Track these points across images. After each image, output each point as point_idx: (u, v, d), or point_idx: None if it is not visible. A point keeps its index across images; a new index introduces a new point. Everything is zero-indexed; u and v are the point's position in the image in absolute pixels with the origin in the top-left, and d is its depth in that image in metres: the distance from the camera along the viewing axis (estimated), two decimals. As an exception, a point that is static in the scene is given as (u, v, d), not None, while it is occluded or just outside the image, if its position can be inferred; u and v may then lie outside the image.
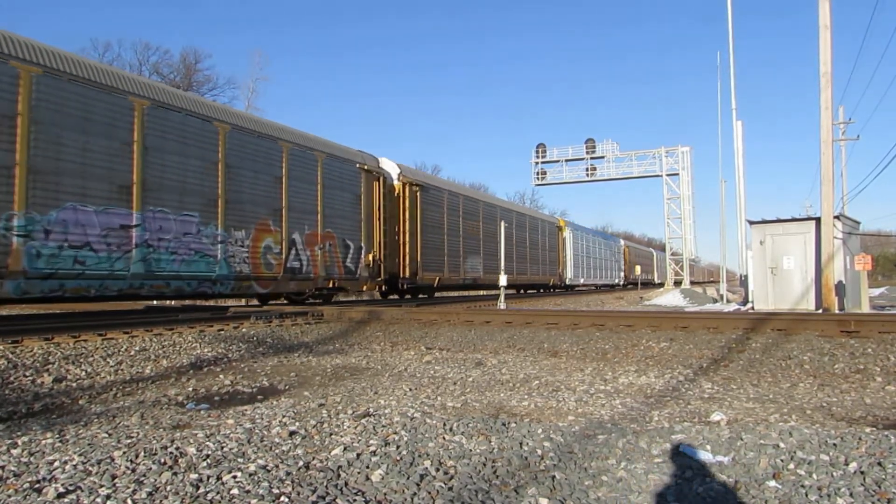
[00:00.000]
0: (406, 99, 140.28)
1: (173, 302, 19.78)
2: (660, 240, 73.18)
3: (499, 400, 5.27)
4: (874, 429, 3.99)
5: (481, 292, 28.94)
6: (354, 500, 2.78)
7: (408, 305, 14.45)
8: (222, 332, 9.36)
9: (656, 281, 58.49)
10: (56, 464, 3.21)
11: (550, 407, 4.97)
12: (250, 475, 3.06)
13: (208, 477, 3.03)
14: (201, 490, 2.86)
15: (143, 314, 12.54)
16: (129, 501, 2.73)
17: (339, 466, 3.23)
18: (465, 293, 28.77)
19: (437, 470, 3.19)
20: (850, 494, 2.79)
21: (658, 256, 63.01)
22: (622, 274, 46.86)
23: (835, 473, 3.06)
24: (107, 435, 3.87)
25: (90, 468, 3.14)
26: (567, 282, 33.80)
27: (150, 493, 2.81)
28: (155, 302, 19.61)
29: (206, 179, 11.50)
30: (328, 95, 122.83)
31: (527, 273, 28.36)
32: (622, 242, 50.32)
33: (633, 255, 51.64)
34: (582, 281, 36.45)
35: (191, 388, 5.92)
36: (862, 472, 3.05)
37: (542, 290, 31.97)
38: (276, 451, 3.52)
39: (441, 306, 15.34)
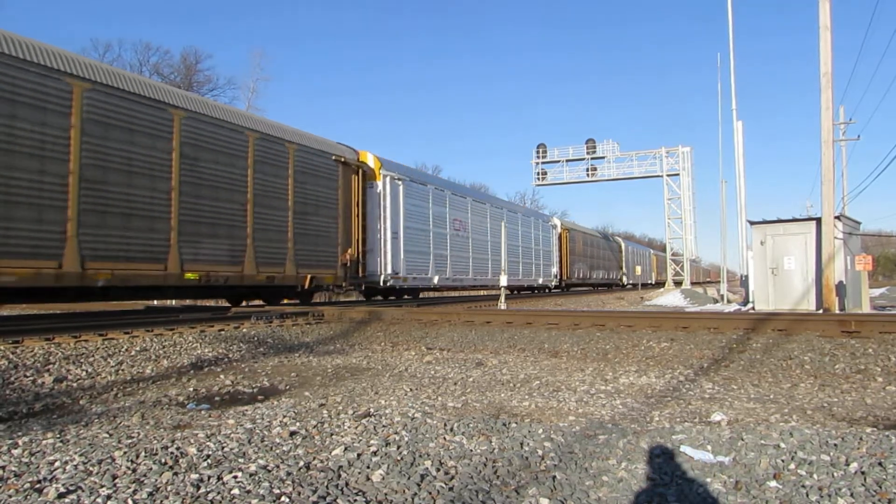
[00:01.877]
0: (406, 99, 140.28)
1: (174, 302, 19.81)
2: (660, 240, 70.86)
3: (499, 400, 5.26)
4: (875, 429, 3.99)
5: None
6: (355, 501, 2.78)
7: (408, 306, 14.45)
8: (223, 333, 9.37)
9: (625, 282, 46.59)
10: (57, 464, 3.21)
11: (551, 407, 4.96)
12: (251, 475, 3.06)
13: (209, 477, 3.03)
14: (202, 490, 2.87)
15: (144, 314, 12.55)
16: (129, 501, 2.73)
17: (340, 466, 3.23)
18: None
19: (438, 470, 3.19)
20: (851, 495, 2.79)
21: (630, 249, 50.02)
22: (555, 270, 31.83)
23: (836, 474, 3.05)
24: (107, 435, 3.87)
25: (91, 468, 3.14)
26: (384, 279, 16.81)
27: (150, 493, 2.81)
28: (155, 302, 19.64)
29: None
30: (328, 95, 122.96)
31: (196, 256, 11.33)
32: (557, 223, 34.34)
33: (578, 244, 36.65)
34: (436, 280, 19.34)
35: (191, 389, 5.92)
36: (863, 473, 3.04)
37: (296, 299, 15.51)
38: (277, 451, 3.52)
39: (442, 306, 15.34)
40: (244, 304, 15.61)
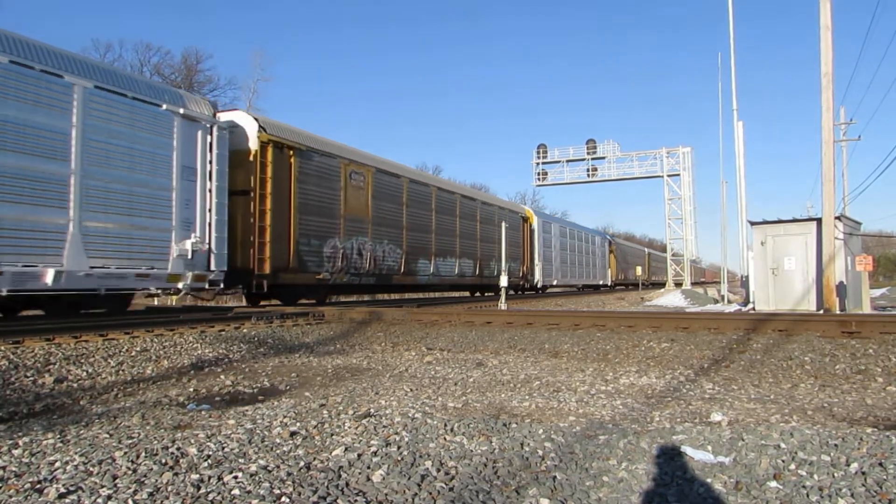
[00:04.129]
0: (407, 99, 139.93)
1: (175, 302, 19.80)
2: (661, 240, 69.38)
3: (500, 400, 5.26)
4: (875, 429, 3.98)
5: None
6: (355, 501, 2.78)
7: (409, 306, 14.45)
8: (223, 333, 9.37)
9: (539, 281, 28.10)
10: (57, 464, 3.21)
11: (551, 407, 4.96)
12: (251, 475, 3.06)
13: (209, 477, 3.03)
14: (202, 490, 2.87)
15: (144, 314, 12.54)
16: (130, 502, 2.73)
17: (340, 467, 3.23)
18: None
19: (438, 470, 3.19)
20: (852, 495, 2.79)
21: (554, 230, 30.92)
22: (197, 248, 11.05)
23: (836, 474, 3.05)
24: (108, 435, 3.87)
25: (91, 468, 3.14)
26: None
27: (151, 494, 2.81)
28: (156, 302, 19.65)
29: None
30: (330, 96, 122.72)
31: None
32: (245, 126, 12.83)
33: (361, 195, 16.14)
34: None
35: (192, 389, 5.92)
36: (863, 473, 3.04)
37: None
38: (277, 451, 3.52)
39: (442, 307, 15.34)
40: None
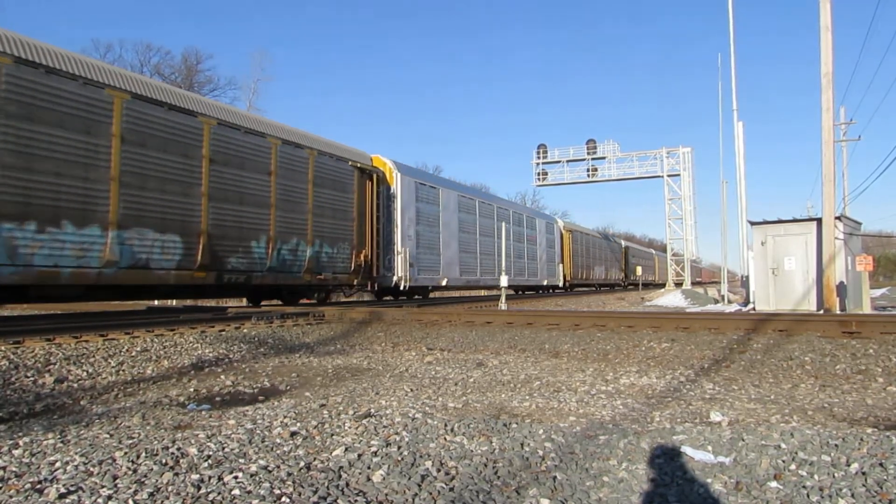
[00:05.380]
0: (407, 99, 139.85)
1: (175, 302, 19.81)
2: (661, 240, 68.34)
3: (500, 401, 5.26)
4: (876, 429, 3.98)
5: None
6: (355, 501, 2.78)
7: (409, 306, 14.45)
8: (224, 333, 9.37)
9: (399, 281, 16.95)
10: (57, 464, 3.21)
11: (552, 407, 4.96)
12: (251, 476, 3.06)
13: (209, 477, 3.03)
14: (202, 490, 2.86)
15: (145, 314, 12.55)
16: (130, 502, 2.73)
17: (341, 467, 3.23)
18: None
19: (439, 471, 3.19)
20: (852, 495, 2.79)
21: (435, 198, 19.39)
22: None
23: (836, 474, 3.05)
24: (108, 435, 3.87)
25: (91, 469, 3.14)
26: None
27: (151, 494, 2.81)
28: (156, 302, 19.66)
29: None
30: (329, 94, 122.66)
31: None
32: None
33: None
34: None
35: (192, 389, 5.92)
36: (864, 473, 3.04)
37: None
38: (278, 451, 3.52)
39: (443, 307, 15.34)
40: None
